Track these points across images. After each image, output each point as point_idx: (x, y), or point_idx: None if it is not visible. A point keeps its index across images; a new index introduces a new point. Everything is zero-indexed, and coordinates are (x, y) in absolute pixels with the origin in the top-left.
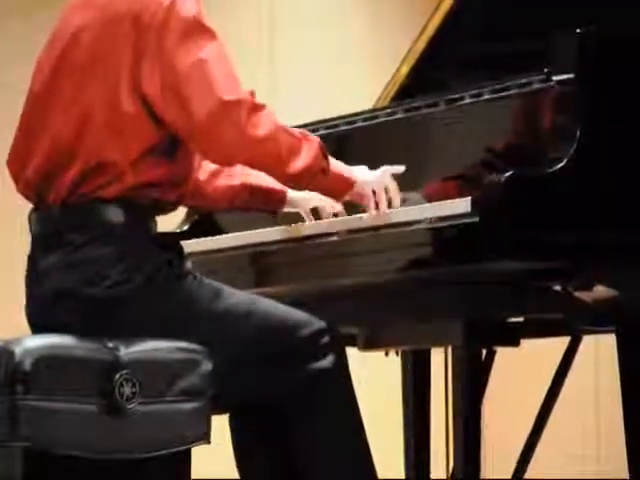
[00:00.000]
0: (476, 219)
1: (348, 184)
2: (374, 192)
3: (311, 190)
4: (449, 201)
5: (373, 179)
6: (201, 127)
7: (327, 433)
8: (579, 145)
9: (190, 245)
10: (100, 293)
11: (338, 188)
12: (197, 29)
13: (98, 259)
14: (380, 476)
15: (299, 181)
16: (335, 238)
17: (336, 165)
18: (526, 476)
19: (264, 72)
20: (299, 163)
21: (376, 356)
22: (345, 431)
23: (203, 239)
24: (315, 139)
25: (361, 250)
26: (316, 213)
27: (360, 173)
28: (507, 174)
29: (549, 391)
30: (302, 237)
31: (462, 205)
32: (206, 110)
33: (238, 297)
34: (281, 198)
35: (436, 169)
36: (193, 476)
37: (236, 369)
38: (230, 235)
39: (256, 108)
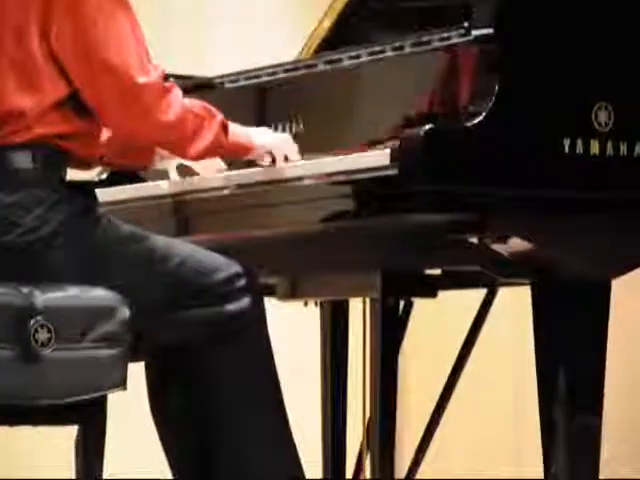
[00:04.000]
0: (395, 172)
1: (246, 151)
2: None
3: None
4: (368, 153)
5: (269, 142)
6: (109, 105)
7: (242, 376)
8: (497, 100)
9: (109, 193)
10: (13, 241)
11: (236, 155)
12: None
13: (9, 206)
14: (294, 424)
15: (199, 160)
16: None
17: (235, 134)
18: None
19: (191, 28)
20: (201, 144)
21: (294, 307)
22: (260, 375)
23: (122, 187)
24: (216, 116)
25: (280, 201)
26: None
27: (259, 137)
28: (426, 127)
29: (464, 343)
30: (220, 187)
31: (381, 158)
32: (117, 89)
33: (155, 241)
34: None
35: (356, 121)
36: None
37: (153, 312)
38: (150, 184)
39: (165, 91)
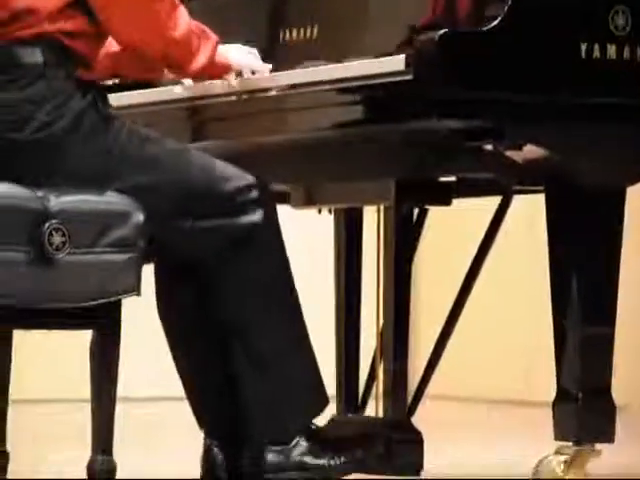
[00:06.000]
0: (410, 77)
1: (225, 70)
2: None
3: None
4: (383, 59)
5: (242, 61)
6: (121, 13)
7: (257, 286)
8: (513, 4)
9: (123, 98)
10: (25, 137)
11: (217, 74)
12: None
13: (20, 102)
14: (311, 331)
15: (194, 77)
16: (272, 93)
17: (220, 54)
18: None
19: None
20: (198, 63)
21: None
22: (275, 284)
23: (137, 92)
24: (212, 37)
25: (295, 107)
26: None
27: (232, 55)
28: (441, 32)
29: (478, 252)
30: (238, 92)
31: (396, 63)
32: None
33: (167, 144)
34: None
35: (372, 26)
36: None
37: (163, 218)
38: (163, 89)
39: (175, 6)
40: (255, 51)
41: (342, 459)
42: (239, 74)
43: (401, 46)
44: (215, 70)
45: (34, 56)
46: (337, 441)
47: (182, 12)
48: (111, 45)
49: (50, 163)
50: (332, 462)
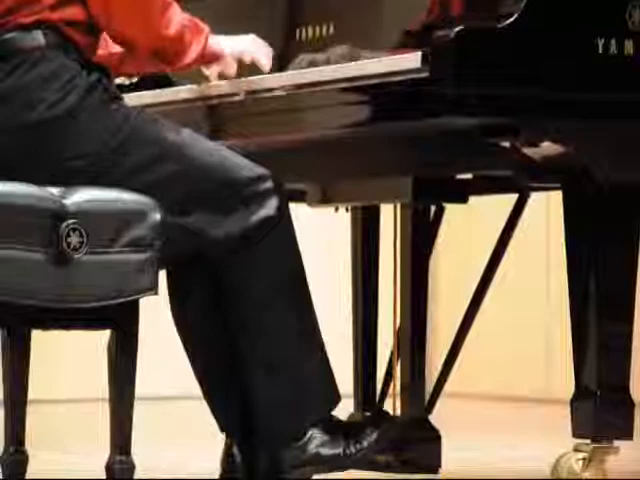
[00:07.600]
0: (426, 74)
1: (217, 58)
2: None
3: None
4: (398, 56)
5: (238, 48)
6: (116, 10)
7: (270, 278)
8: (529, 0)
9: (140, 97)
10: (36, 118)
11: (208, 64)
12: None
13: (28, 84)
14: (324, 331)
15: (181, 71)
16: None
17: (212, 44)
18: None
19: None
20: (189, 57)
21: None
22: (289, 277)
23: (145, 92)
24: (204, 31)
25: (311, 105)
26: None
27: (227, 43)
28: (457, 29)
29: (495, 250)
30: (249, 91)
31: (412, 60)
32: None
33: (178, 129)
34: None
35: (387, 24)
36: None
37: (172, 205)
38: (173, 89)
39: (169, 5)
40: (259, 41)
41: (357, 446)
42: (239, 61)
43: (417, 44)
44: (205, 61)
45: (35, 39)
46: (351, 427)
47: (175, 9)
48: (113, 46)
49: (61, 143)
50: (347, 450)
